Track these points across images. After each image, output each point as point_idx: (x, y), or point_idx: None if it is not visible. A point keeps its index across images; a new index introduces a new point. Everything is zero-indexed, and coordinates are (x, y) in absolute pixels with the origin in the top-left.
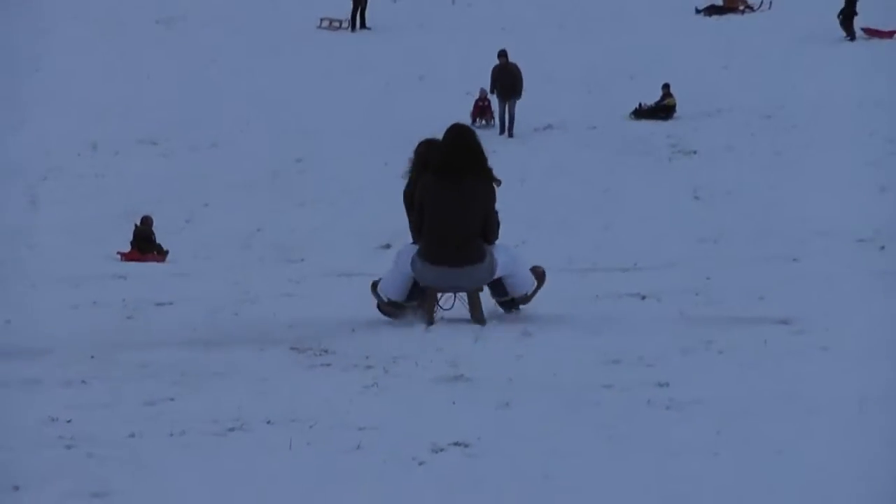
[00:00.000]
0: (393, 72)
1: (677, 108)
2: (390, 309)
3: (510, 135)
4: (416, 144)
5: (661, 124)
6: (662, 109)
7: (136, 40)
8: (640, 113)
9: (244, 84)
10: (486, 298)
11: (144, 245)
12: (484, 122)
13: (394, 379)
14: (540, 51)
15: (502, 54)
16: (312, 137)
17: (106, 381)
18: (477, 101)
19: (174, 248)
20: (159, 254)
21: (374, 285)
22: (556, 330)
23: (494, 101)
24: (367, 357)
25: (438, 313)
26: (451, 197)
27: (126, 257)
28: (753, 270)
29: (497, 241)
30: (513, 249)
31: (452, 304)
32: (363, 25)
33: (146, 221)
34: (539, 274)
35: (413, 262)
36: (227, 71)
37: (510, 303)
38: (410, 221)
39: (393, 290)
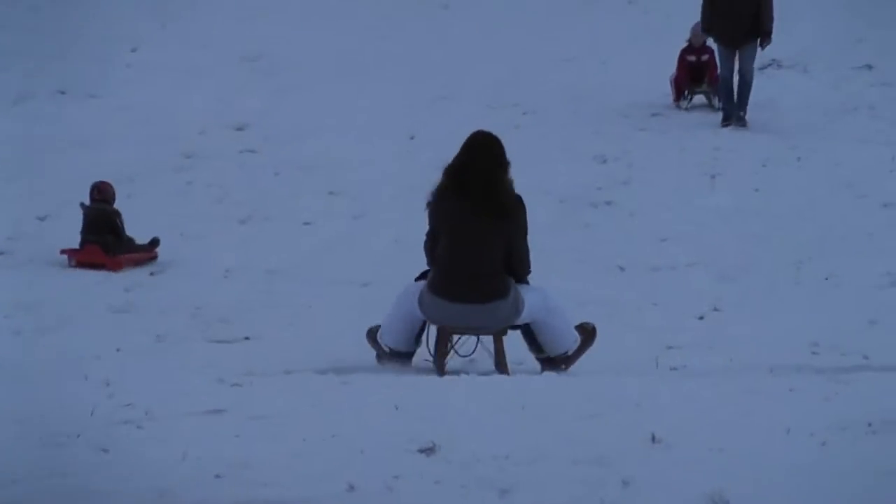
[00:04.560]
0: None
1: None
2: (392, 361)
3: (741, 119)
4: (468, 137)
5: None
6: None
7: None
8: None
9: None
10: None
11: (103, 236)
12: (703, 92)
13: None
14: None
15: None
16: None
17: None
18: (684, 54)
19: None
20: (137, 251)
21: (372, 332)
22: (797, 487)
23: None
24: None
25: (454, 361)
26: (466, 221)
27: (78, 258)
28: None
29: (532, 283)
30: (552, 295)
31: (474, 349)
32: None
33: (103, 191)
34: (587, 331)
35: (421, 298)
36: None
37: (548, 361)
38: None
39: (395, 337)
